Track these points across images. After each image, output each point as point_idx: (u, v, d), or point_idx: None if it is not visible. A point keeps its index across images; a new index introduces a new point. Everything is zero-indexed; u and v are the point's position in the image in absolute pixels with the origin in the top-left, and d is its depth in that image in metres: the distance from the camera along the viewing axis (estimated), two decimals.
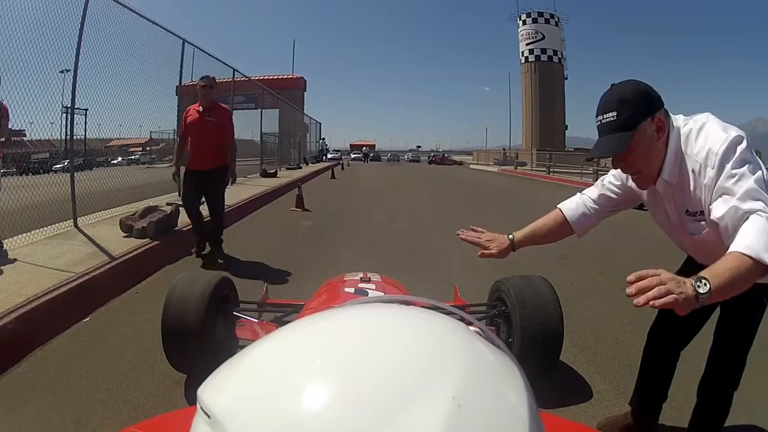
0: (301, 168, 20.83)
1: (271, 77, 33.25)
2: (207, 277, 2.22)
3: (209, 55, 9.84)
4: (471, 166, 38.64)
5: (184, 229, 5.07)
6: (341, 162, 30.13)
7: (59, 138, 6.55)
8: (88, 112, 5.98)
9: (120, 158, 13.75)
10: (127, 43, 6.33)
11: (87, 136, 6.64)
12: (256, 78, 17.97)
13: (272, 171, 14.59)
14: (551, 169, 21.85)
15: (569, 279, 4.23)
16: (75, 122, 5.21)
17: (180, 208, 5.03)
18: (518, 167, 28.33)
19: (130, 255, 4.14)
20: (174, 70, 8.06)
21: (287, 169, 18.96)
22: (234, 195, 8.83)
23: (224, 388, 0.47)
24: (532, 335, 2.03)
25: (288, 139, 22.15)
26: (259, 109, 16.28)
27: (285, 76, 37.48)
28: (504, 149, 41.48)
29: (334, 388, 0.43)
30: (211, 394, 0.47)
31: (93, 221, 5.42)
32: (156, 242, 4.55)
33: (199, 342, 2.03)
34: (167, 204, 6.58)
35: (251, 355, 0.51)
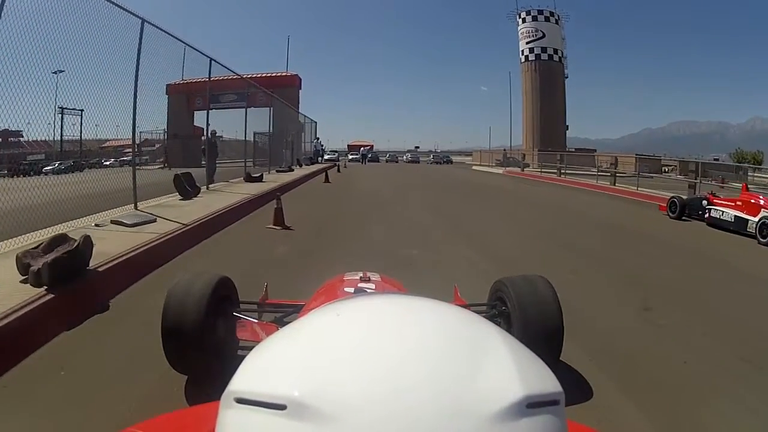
0: (292, 170, 19.13)
1: (264, 75, 31.78)
2: (207, 278, 2.18)
3: (178, 39, 8.30)
4: (473, 167, 37.03)
5: (99, 268, 3.52)
6: (338, 164, 28.46)
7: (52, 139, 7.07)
8: (83, 113, 6.34)
9: (112, 159, 12.41)
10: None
11: (76, 138, 7.32)
12: (249, 76, 16.51)
13: (257, 175, 12.89)
14: (562, 171, 20.39)
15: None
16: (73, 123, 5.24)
17: (90, 239, 3.50)
18: (524, 168, 26.90)
19: (5, 321, 2.64)
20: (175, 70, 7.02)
21: (277, 171, 17.32)
22: (203, 207, 7.28)
23: (295, 373, 0.44)
24: (532, 335, 2.00)
25: (280, 139, 20.57)
26: (246, 108, 14.70)
27: (279, 74, 35.91)
28: (505, 149, 39.87)
29: (412, 352, 0.45)
30: (278, 383, 0.44)
31: (10, 248, 4.05)
32: (50, 295, 3.02)
33: (199, 343, 2.01)
34: (95, 225, 5.17)
35: (303, 338, 0.51)
